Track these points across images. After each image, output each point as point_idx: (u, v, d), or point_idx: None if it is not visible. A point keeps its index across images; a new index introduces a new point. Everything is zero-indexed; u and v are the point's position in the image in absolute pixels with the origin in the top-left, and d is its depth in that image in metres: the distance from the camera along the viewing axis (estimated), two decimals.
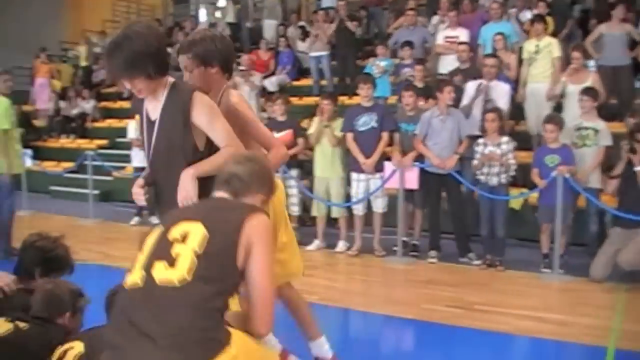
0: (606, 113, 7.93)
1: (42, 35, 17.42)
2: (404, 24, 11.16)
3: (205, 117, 3.05)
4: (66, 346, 3.18)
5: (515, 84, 8.94)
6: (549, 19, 9.81)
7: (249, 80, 11.09)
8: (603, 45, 9.35)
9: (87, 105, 14.99)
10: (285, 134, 8.25)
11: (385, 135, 7.57)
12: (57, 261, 3.75)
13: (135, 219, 9.84)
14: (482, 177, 7.04)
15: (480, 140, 7.11)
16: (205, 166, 3.02)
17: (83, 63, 16.83)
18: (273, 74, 13.34)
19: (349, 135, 7.65)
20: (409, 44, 10.23)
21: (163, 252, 2.44)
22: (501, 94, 7.88)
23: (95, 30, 17.79)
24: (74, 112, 15.03)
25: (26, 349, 3.14)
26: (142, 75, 2.97)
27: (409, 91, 7.81)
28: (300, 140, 8.34)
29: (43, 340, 3.20)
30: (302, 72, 13.70)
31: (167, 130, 3.12)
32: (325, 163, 8.02)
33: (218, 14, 17.07)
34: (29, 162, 11.37)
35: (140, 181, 3.32)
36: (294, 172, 8.37)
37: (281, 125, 8.34)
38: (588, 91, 7.33)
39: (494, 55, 8.47)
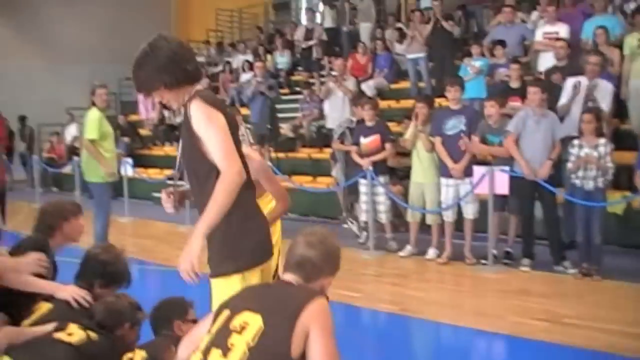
0: None
1: None
2: (502, 21, 10.76)
3: (200, 124, 2.88)
4: (129, 355, 3.27)
5: (619, 80, 8.41)
6: None
7: (342, 85, 11.00)
8: None
9: None
10: (373, 140, 8.18)
11: (474, 139, 7.29)
12: (116, 275, 3.79)
13: None
14: (577, 181, 6.64)
15: (576, 142, 6.70)
16: (213, 215, 2.79)
17: None
18: (371, 77, 13.20)
19: (437, 140, 7.45)
20: (501, 42, 9.87)
21: (221, 340, 2.51)
22: (603, 93, 7.43)
23: (200, 40, 18.27)
24: (178, 120, 15.44)
25: (95, 358, 3.19)
26: (160, 86, 2.94)
27: (491, 101, 7.49)
28: (388, 146, 8.18)
29: (109, 351, 3.28)
30: (401, 75, 13.45)
31: (183, 140, 3.06)
32: (421, 168, 7.81)
33: (318, 19, 17.10)
34: (130, 171, 11.76)
35: (168, 189, 3.32)
36: (382, 179, 8.20)
37: (369, 130, 8.25)
38: None
39: (597, 51, 7.99)
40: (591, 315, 5.54)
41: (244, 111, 12.10)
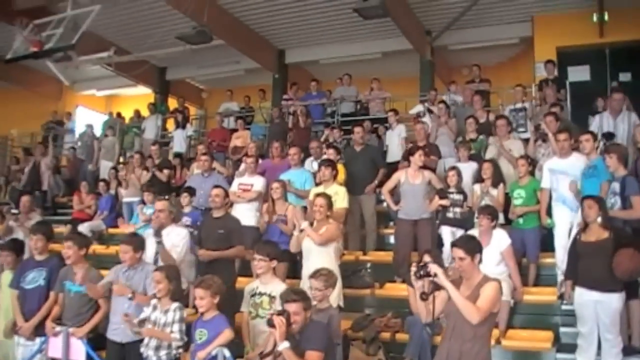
0: None
1: None
2: (198, 171, 10.13)
3: None
4: None
5: None
6: None
7: (23, 225, 9.71)
8: None
9: None
10: None
11: (52, 295, 6.21)
12: None
13: None
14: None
15: None
16: None
17: None
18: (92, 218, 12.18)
19: (13, 293, 6.34)
20: (190, 190, 9.07)
21: None
22: None
23: None
24: None
25: None
26: None
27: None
28: None
29: None
30: None
31: None
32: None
33: None
34: None
35: None
36: None
37: None
38: None
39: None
40: None
41: None
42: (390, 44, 15.13)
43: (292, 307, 4.62)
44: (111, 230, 12.05)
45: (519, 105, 10.80)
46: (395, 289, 7.78)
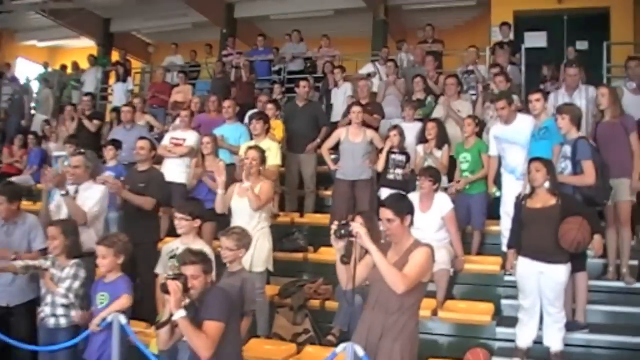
0: None
1: None
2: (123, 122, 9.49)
3: None
4: None
5: None
6: None
7: None
8: None
9: None
10: None
11: None
12: None
13: None
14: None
15: None
16: None
17: None
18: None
19: None
20: (115, 142, 8.47)
21: None
22: None
23: None
24: None
25: None
26: None
27: None
28: None
29: None
30: None
31: None
32: None
33: None
34: None
35: None
36: None
37: None
38: None
39: None
40: None
41: None
42: (342, 1, 14.48)
43: (189, 270, 4.00)
44: (40, 186, 11.30)
45: (470, 68, 10.26)
46: (331, 254, 7.23)
